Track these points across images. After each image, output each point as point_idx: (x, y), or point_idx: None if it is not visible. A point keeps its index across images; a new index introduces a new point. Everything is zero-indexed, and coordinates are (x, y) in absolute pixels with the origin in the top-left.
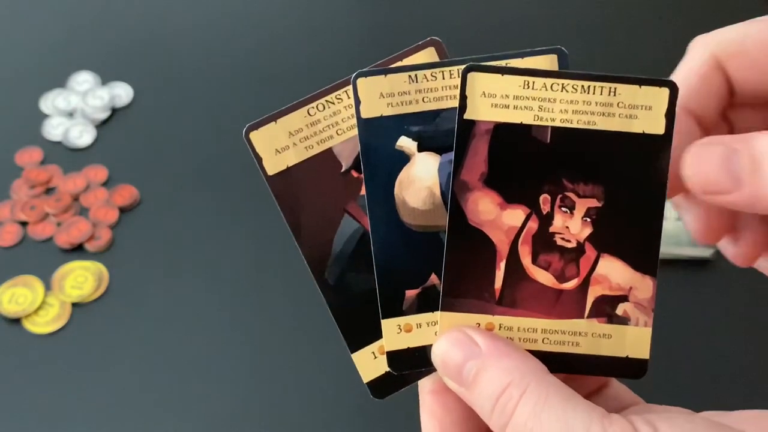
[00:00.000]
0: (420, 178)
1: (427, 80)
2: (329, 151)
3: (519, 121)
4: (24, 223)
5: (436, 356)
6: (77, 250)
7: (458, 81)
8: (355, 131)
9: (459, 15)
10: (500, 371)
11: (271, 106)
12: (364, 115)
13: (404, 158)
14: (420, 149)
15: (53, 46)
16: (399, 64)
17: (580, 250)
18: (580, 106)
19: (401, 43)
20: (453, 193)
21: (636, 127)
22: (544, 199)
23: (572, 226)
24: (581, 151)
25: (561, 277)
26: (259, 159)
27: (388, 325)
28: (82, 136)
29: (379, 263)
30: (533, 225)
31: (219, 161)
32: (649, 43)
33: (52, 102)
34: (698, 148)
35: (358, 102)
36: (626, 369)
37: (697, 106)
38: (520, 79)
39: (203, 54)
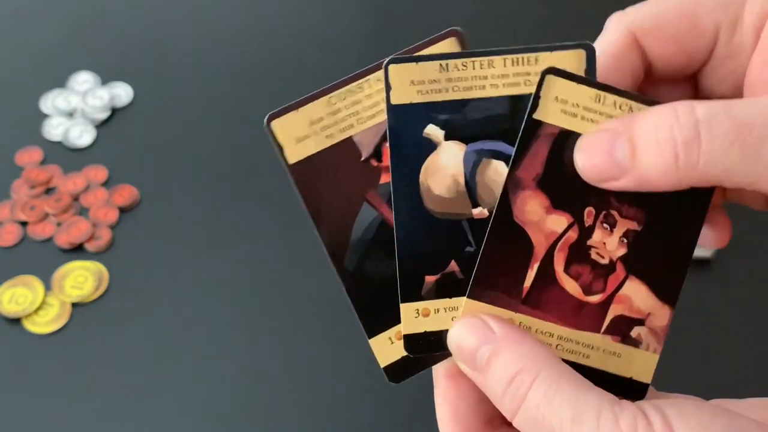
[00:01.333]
0: (445, 166)
1: (458, 69)
2: (350, 140)
3: (583, 132)
4: (24, 223)
5: (451, 340)
6: (77, 250)
7: (488, 71)
8: (376, 120)
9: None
10: (513, 356)
11: (271, 105)
12: (393, 101)
13: (431, 146)
14: (447, 138)
15: (53, 46)
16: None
17: (611, 267)
18: None
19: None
20: (505, 187)
21: None
22: (589, 212)
23: (609, 243)
24: None
25: (587, 290)
26: (281, 147)
27: (406, 309)
28: (82, 136)
29: (401, 248)
30: (573, 234)
31: (219, 161)
32: None
33: (52, 102)
34: (588, 136)
35: (388, 88)
36: (627, 389)
37: (614, 83)
38: (593, 92)
39: (203, 54)
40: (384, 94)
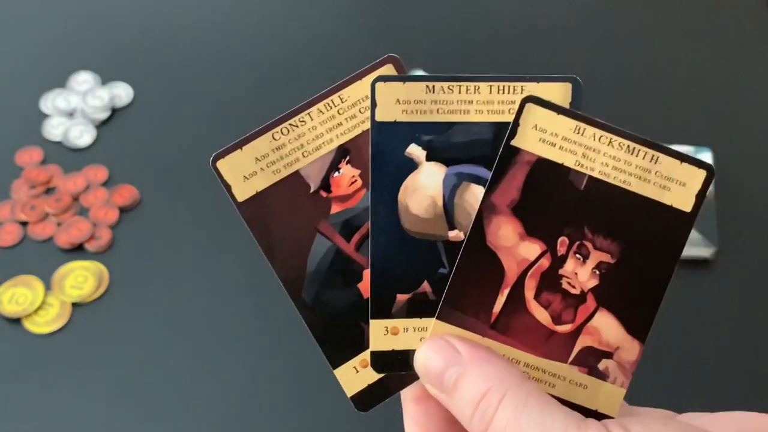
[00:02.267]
0: (425, 186)
1: (444, 92)
2: (297, 173)
3: (561, 162)
4: (24, 223)
5: (418, 362)
6: (77, 250)
7: (474, 96)
8: (321, 152)
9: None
10: (480, 377)
11: (271, 106)
12: (378, 118)
13: (412, 165)
14: (429, 158)
15: (53, 46)
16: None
17: (581, 298)
18: (621, 164)
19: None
20: (479, 212)
21: (667, 198)
22: (562, 242)
23: (581, 273)
24: (609, 207)
25: (557, 319)
26: (228, 186)
27: (375, 325)
28: (82, 136)
29: (375, 264)
30: (545, 263)
31: None
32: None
33: (52, 102)
34: None
35: (374, 105)
36: None
37: None
38: (572, 123)
39: (203, 54)
40: (327, 126)
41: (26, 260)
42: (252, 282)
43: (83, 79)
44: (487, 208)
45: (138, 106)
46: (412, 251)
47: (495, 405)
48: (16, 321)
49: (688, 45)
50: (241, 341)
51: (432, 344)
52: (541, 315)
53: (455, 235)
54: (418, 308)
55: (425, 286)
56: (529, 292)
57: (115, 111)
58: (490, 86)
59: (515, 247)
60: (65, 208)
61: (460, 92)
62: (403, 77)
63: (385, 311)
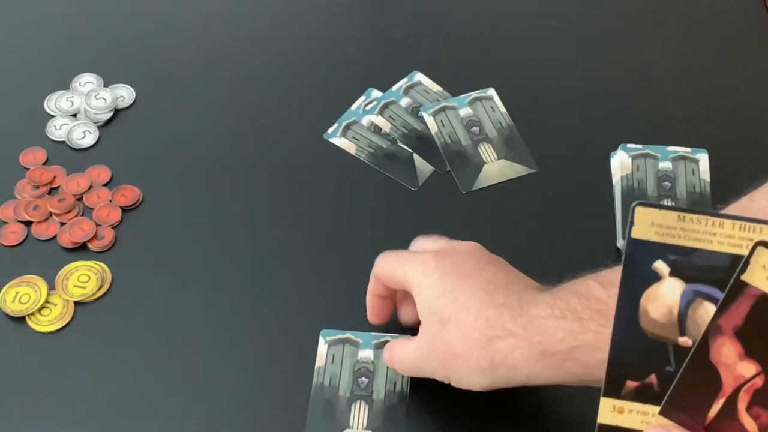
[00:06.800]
0: (664, 296)
1: (693, 222)
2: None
3: None
4: (28, 223)
5: None
6: (80, 250)
7: (718, 230)
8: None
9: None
10: None
11: (271, 107)
12: (633, 235)
13: (656, 277)
14: (671, 274)
15: (57, 48)
16: None
17: None
18: None
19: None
20: (707, 330)
21: None
22: None
23: None
24: None
25: (763, 430)
26: (632, 223)
27: (605, 402)
28: (86, 136)
29: (614, 352)
30: (759, 381)
31: (220, 161)
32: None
33: (55, 103)
34: None
35: (631, 224)
36: None
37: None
38: None
39: (205, 55)
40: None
41: (30, 260)
42: (253, 282)
43: (86, 81)
44: (713, 329)
45: (140, 107)
46: (645, 348)
47: None
48: (20, 320)
49: (686, 46)
50: (243, 341)
51: (656, 428)
52: (750, 425)
53: (684, 341)
54: (644, 395)
55: (652, 378)
56: (742, 404)
57: (117, 112)
58: (734, 224)
59: (734, 364)
60: (68, 208)
61: (706, 224)
62: (659, 205)
63: (615, 392)
